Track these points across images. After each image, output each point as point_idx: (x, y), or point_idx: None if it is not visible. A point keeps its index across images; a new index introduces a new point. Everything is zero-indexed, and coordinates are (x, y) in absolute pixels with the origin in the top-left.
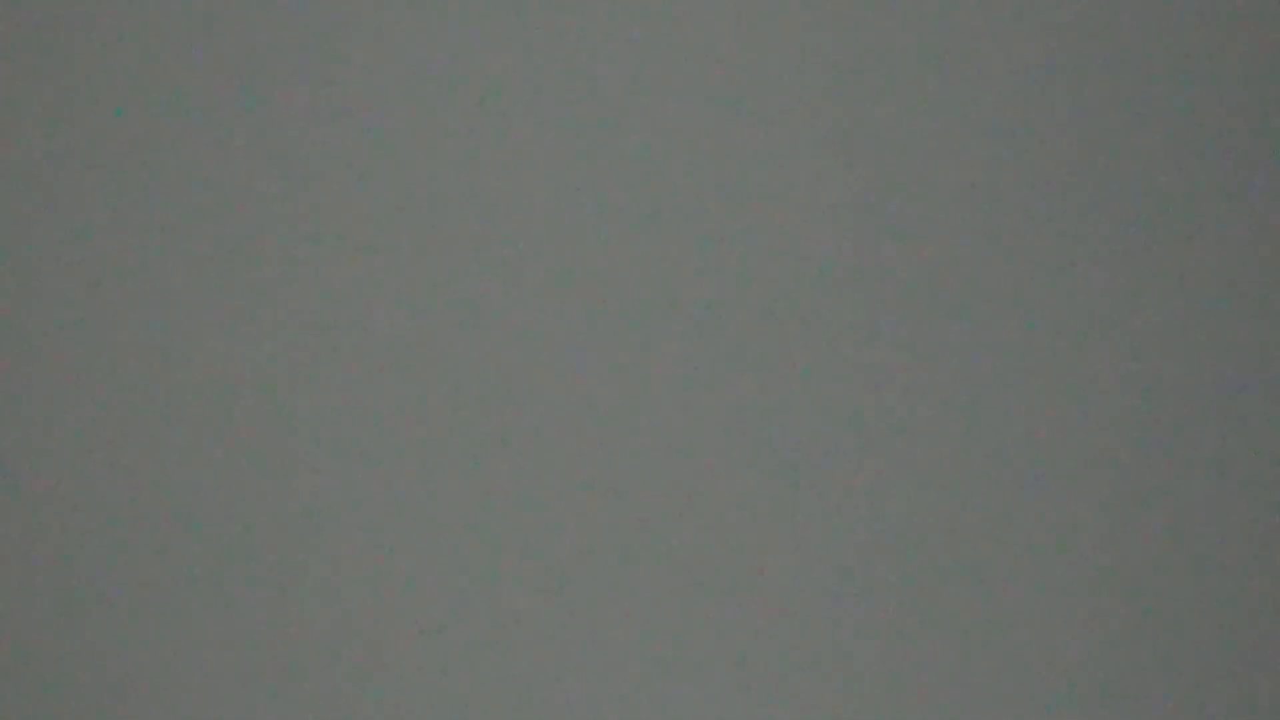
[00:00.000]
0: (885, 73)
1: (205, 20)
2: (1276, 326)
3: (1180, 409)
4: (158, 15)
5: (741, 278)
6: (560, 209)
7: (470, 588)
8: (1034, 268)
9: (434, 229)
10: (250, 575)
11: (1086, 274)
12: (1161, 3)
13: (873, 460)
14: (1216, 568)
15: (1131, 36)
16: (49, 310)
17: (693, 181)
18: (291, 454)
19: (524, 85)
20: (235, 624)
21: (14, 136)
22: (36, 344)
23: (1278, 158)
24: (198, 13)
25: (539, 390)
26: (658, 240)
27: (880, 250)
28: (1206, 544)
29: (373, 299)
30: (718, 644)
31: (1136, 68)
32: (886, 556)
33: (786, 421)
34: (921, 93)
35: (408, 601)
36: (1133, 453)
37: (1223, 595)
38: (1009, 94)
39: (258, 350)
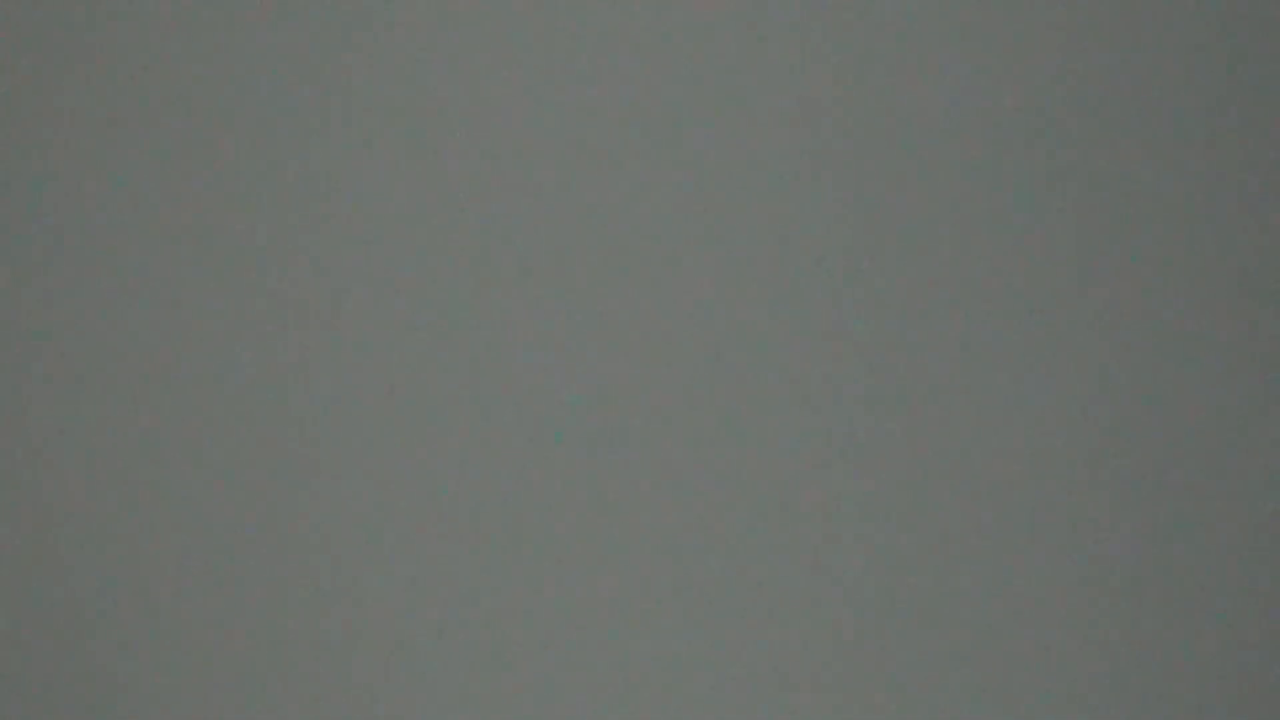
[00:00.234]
0: (885, 72)
1: (205, 20)
2: (1277, 327)
3: (1181, 409)
4: (157, 15)
5: (741, 278)
6: (559, 209)
7: (470, 587)
8: (1033, 268)
9: (434, 229)
10: (250, 575)
11: (1088, 274)
12: (1162, 3)
13: (872, 460)
14: (1217, 568)
15: (1132, 36)
16: (49, 310)
17: (692, 181)
18: (291, 454)
19: (523, 85)
20: (235, 624)
21: (14, 136)
22: (37, 343)
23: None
24: (198, 12)
25: (538, 390)
26: (657, 240)
27: (880, 250)
28: (1207, 543)
29: (373, 298)
30: (718, 644)
31: (1137, 67)
32: (886, 556)
33: (786, 421)
34: (922, 92)
35: (408, 601)
36: (1133, 452)
37: (1223, 595)
38: (1009, 94)
39: (258, 350)
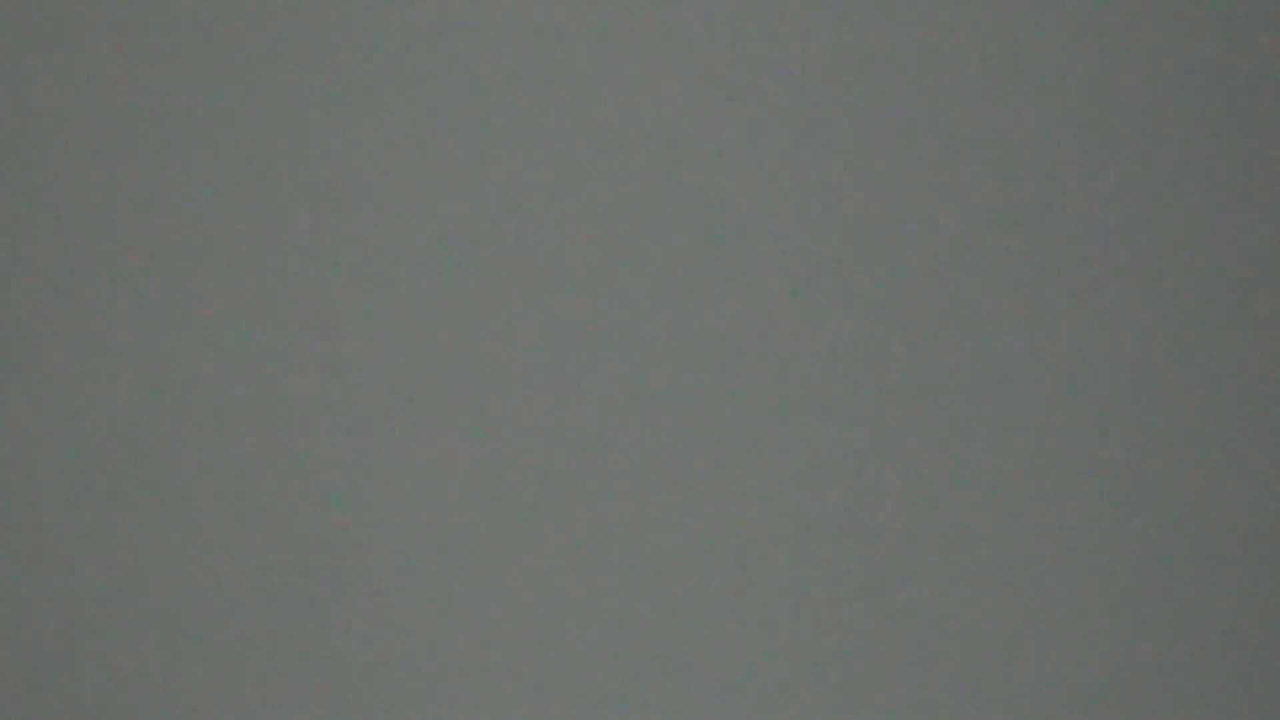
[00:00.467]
0: (885, 73)
1: (205, 19)
2: (1276, 326)
3: (1180, 409)
4: (158, 14)
5: (741, 277)
6: (560, 209)
7: (470, 588)
8: (1034, 268)
9: (434, 229)
10: (250, 575)
11: (1088, 274)
12: (1162, 3)
13: (873, 460)
14: (1217, 568)
15: (1130, 37)
16: (49, 310)
17: (693, 181)
18: (291, 454)
19: (524, 84)
20: (235, 624)
21: (14, 136)
22: (37, 343)
23: (1277, 157)
24: (198, 11)
25: (538, 390)
26: (657, 240)
27: (880, 250)
28: (1206, 544)
29: (373, 298)
30: (718, 644)
31: (1136, 67)
32: (887, 556)
33: (786, 421)
34: (921, 92)
35: (407, 601)
36: (1134, 453)
37: (1223, 596)
38: (1009, 94)
39: (257, 350)
